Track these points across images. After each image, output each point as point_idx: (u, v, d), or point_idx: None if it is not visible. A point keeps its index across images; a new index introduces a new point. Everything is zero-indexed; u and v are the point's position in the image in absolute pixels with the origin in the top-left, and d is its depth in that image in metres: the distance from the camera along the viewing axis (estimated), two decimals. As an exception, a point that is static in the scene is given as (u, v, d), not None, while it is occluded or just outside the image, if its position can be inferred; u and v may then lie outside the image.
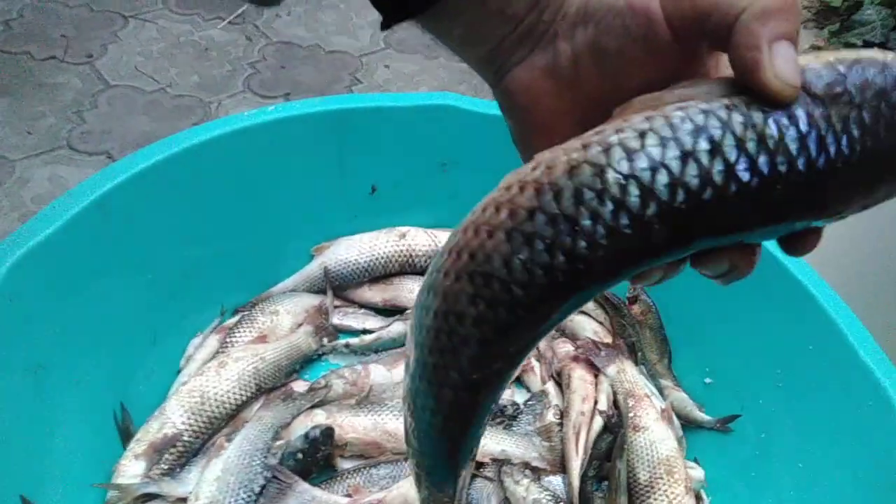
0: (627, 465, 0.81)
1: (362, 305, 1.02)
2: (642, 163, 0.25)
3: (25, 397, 0.70)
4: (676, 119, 0.26)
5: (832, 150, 0.25)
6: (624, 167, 0.25)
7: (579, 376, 0.89)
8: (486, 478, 0.82)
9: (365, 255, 0.99)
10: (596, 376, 0.89)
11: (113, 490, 0.73)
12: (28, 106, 1.48)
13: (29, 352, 0.71)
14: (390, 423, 0.82)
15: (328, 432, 0.78)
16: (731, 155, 0.25)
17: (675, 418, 0.86)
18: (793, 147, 0.25)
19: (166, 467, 0.76)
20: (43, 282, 0.72)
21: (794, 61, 0.25)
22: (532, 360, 0.94)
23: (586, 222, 0.25)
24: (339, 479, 0.80)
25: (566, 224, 0.26)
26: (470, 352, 0.29)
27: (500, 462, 0.83)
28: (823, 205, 0.27)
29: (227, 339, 0.90)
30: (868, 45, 1.83)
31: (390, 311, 1.00)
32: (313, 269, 1.00)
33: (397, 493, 0.74)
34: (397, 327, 0.96)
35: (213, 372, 0.83)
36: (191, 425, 0.78)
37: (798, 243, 0.30)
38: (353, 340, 0.96)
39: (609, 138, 0.26)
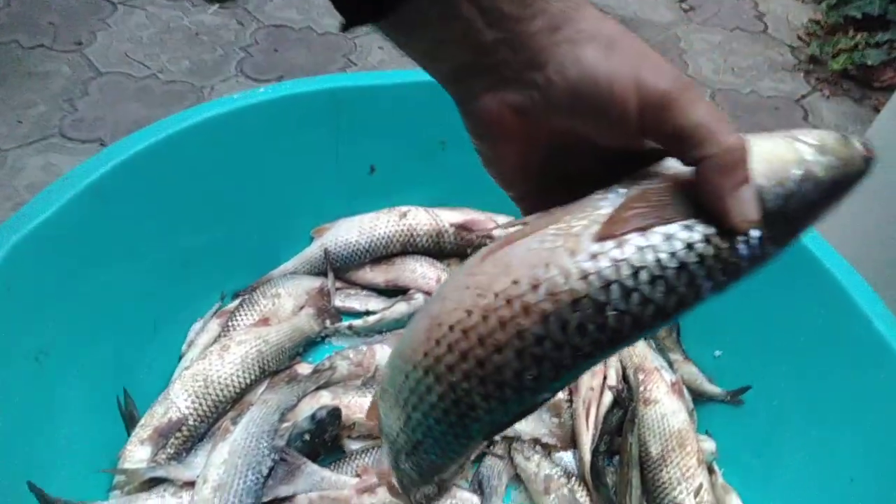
0: (639, 439, 0.80)
1: (364, 287, 1.01)
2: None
3: (28, 384, 0.69)
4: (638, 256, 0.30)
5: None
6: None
7: (587, 352, 0.88)
8: (497, 455, 0.81)
9: (365, 236, 0.98)
10: (604, 351, 0.88)
11: (120, 475, 0.71)
12: (18, 94, 1.45)
13: (29, 338, 0.69)
14: (398, 403, 0.81)
15: (335, 413, 0.77)
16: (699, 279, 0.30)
17: (685, 391, 0.85)
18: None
19: (172, 451, 0.75)
20: (40, 268, 0.70)
21: (754, 202, 0.30)
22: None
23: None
24: (347, 459, 0.79)
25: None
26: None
27: (510, 439, 0.82)
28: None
29: (229, 323, 0.89)
30: (867, 17, 1.81)
31: (393, 291, 0.99)
32: (313, 251, 0.99)
33: (407, 472, 0.73)
34: (400, 308, 0.95)
35: (215, 356, 0.82)
36: (195, 409, 0.77)
37: None
38: (357, 322, 0.95)
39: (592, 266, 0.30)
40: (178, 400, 0.77)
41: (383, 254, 0.99)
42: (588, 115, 0.31)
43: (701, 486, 0.78)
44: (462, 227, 0.96)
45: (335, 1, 0.31)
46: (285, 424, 0.77)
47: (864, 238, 0.93)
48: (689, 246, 0.30)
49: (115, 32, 1.68)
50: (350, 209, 0.99)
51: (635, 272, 0.29)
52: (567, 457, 0.82)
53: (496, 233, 0.97)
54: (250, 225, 0.94)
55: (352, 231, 0.98)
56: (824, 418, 0.77)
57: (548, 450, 0.82)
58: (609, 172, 0.33)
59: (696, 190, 0.30)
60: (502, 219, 0.97)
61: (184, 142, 0.82)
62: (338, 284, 0.99)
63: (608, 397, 0.83)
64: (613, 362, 0.86)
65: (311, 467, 0.73)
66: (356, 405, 0.81)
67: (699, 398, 0.88)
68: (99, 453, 0.74)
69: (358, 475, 0.75)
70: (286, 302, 0.92)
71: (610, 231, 0.29)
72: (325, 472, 0.74)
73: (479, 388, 0.30)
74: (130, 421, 0.78)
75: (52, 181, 0.74)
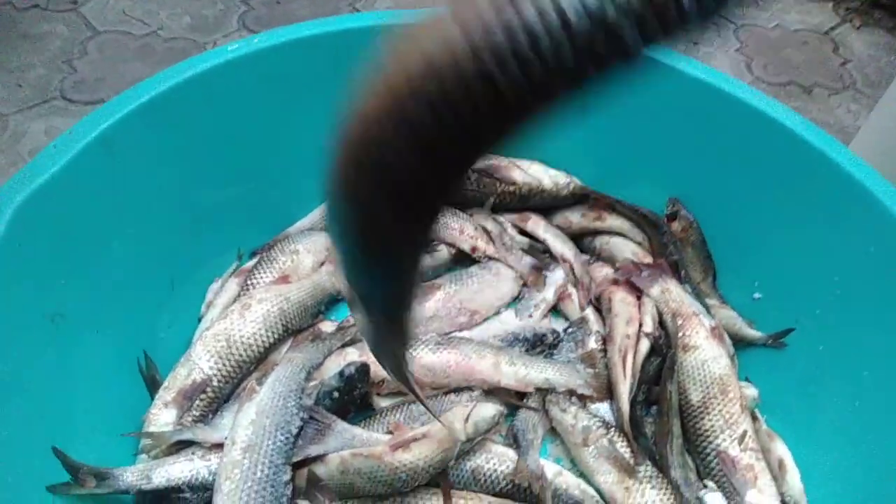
0: (678, 387, 0.77)
1: (385, 241, 0.97)
2: None
3: (46, 348, 0.66)
4: None
5: None
6: None
7: (621, 299, 0.84)
8: (531, 408, 0.78)
9: (385, 188, 0.93)
10: (638, 298, 0.84)
11: (145, 439, 0.69)
12: (15, 58, 1.40)
13: (44, 300, 0.67)
14: (427, 357, 0.78)
15: (363, 369, 0.74)
16: None
17: (726, 336, 0.81)
18: None
19: (198, 414, 0.72)
20: (50, 226, 0.67)
21: None
22: (569, 287, 0.90)
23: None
24: (378, 417, 0.76)
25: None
26: None
27: (545, 391, 0.79)
28: None
29: (248, 282, 0.86)
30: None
31: (415, 245, 0.95)
32: (331, 205, 0.95)
33: (440, 426, 0.70)
34: (426, 260, 0.92)
35: (237, 315, 0.79)
36: (219, 370, 0.75)
37: None
38: (379, 277, 0.91)
39: None
40: (201, 361, 0.74)
41: (403, 206, 0.94)
42: None
43: (745, 433, 0.75)
44: (485, 174, 0.92)
45: None
46: (312, 383, 0.74)
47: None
48: None
49: (110, -11, 1.61)
50: (367, 160, 0.95)
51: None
52: (604, 408, 0.80)
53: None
54: (265, 180, 0.90)
55: (370, 183, 0.94)
56: (871, 360, 0.74)
57: (584, 401, 0.79)
58: None
59: None
60: (525, 163, 0.92)
61: (191, 92, 0.77)
62: (357, 239, 0.95)
63: (645, 345, 0.80)
64: (649, 309, 0.83)
65: (342, 426, 0.71)
66: (384, 361, 0.78)
67: (738, 343, 0.84)
68: (123, 418, 0.72)
69: (390, 432, 0.72)
70: (305, 259, 0.89)
71: None
72: (357, 430, 0.71)
73: None
74: (153, 384, 0.76)
75: (55, 145, 0.70)
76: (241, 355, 0.77)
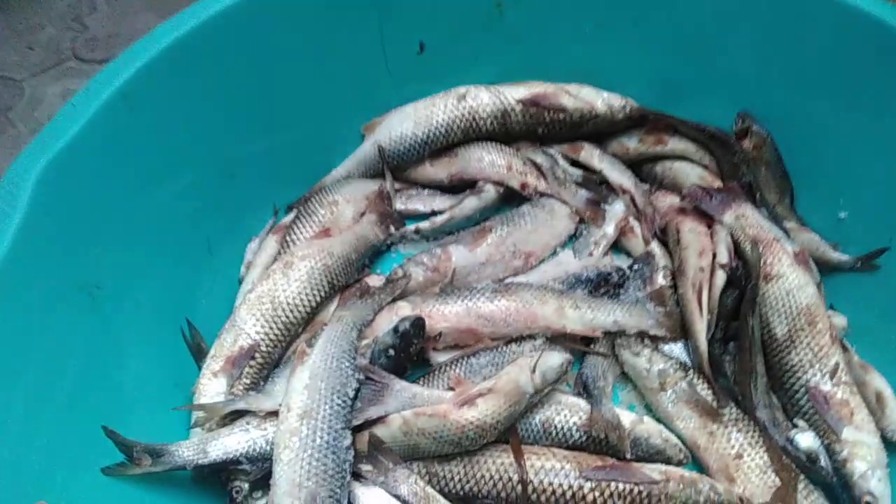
0: (761, 321, 0.71)
1: (426, 185, 0.91)
2: None
3: (86, 324, 0.63)
4: None
5: None
6: None
7: (690, 229, 0.77)
8: (599, 354, 0.73)
9: (422, 126, 0.86)
10: (709, 227, 0.77)
11: (197, 412, 0.66)
12: (22, 19, 1.34)
13: (78, 271, 0.63)
14: (484, 307, 0.73)
15: (419, 323, 0.69)
16: None
17: (811, 261, 0.74)
18: None
19: (248, 382, 0.69)
20: (75, 192, 0.63)
21: None
22: (631, 220, 0.83)
23: None
24: (436, 373, 0.72)
25: None
26: None
27: (613, 335, 0.73)
28: None
29: (287, 238, 0.81)
30: None
31: (458, 186, 0.89)
32: (366, 150, 0.88)
33: (507, 378, 0.65)
34: (471, 203, 0.85)
35: (279, 275, 0.74)
36: (266, 334, 0.71)
37: None
38: (423, 224, 0.85)
39: None
40: (247, 325, 0.70)
41: (443, 144, 0.87)
42: None
43: (837, 365, 0.68)
44: (531, 103, 0.84)
45: None
46: (365, 342, 0.70)
47: None
48: None
49: (113, -62, 1.52)
50: (401, 97, 0.88)
51: None
52: (678, 349, 0.74)
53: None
54: (295, 129, 0.83)
55: (406, 122, 0.86)
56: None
57: (656, 343, 0.74)
58: None
59: None
60: (573, 87, 0.84)
61: (213, 34, 0.71)
62: (397, 185, 0.89)
63: (720, 277, 0.73)
64: (723, 237, 0.75)
65: (400, 384, 0.67)
66: (438, 314, 0.73)
67: (821, 269, 0.77)
68: (172, 391, 0.69)
69: (451, 388, 0.68)
70: (345, 209, 0.83)
71: None
72: (416, 388, 0.67)
73: None
74: (199, 353, 0.72)
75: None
76: (287, 317, 0.72)
